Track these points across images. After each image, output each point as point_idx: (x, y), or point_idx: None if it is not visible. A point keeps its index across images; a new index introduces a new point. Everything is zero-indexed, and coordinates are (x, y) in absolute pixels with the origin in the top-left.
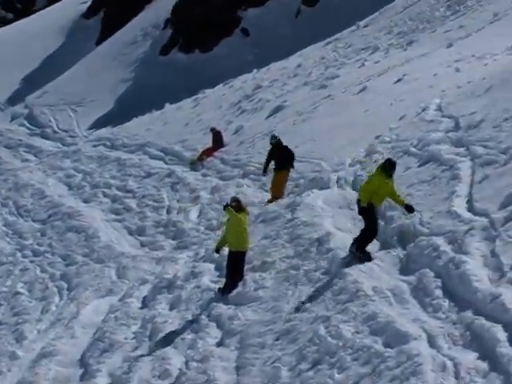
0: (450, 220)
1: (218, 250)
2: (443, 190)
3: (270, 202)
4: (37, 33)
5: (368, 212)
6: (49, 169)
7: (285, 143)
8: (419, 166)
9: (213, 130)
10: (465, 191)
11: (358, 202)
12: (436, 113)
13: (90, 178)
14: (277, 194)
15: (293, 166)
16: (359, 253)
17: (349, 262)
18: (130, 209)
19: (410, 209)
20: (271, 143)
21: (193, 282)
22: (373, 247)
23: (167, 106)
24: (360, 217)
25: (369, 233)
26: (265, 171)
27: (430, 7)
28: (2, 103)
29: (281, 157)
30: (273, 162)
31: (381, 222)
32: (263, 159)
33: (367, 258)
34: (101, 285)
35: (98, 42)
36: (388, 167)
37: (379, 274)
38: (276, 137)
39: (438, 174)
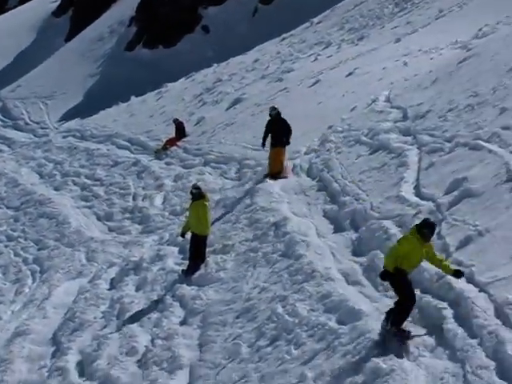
0: (399, 204)
1: (183, 235)
2: (392, 177)
3: (266, 176)
4: (9, 30)
5: (397, 279)
6: (21, 159)
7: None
8: (370, 154)
9: (176, 121)
10: (412, 177)
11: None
12: (385, 104)
13: (60, 167)
14: (274, 169)
15: (289, 142)
16: (394, 329)
17: (382, 341)
18: (98, 196)
19: (459, 274)
20: (270, 115)
21: (158, 265)
22: (327, 230)
23: (133, 98)
24: (317, 201)
25: (405, 304)
26: (263, 145)
27: (379, 4)
28: None
29: (278, 131)
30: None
31: (333, 207)
32: (224, 149)
33: (405, 335)
34: (71, 267)
35: (68, 39)
36: (425, 230)
37: (333, 255)
38: (275, 109)
39: (387, 161)
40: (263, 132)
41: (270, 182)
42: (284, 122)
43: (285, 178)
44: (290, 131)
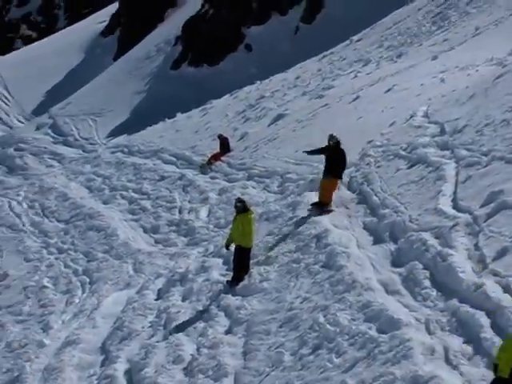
0: (437, 217)
1: (227, 247)
2: (430, 190)
3: (314, 204)
4: (59, 50)
5: None
6: (71, 173)
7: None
8: (408, 168)
9: (220, 136)
10: (450, 190)
11: (495, 367)
12: (423, 119)
13: (108, 181)
14: (326, 199)
15: (341, 177)
16: None
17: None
18: (145, 209)
19: None
20: (329, 143)
21: (203, 276)
22: (367, 242)
23: (178, 115)
24: (357, 213)
25: None
26: (308, 153)
27: (417, 23)
28: (28, 114)
29: (334, 161)
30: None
31: (373, 219)
32: (266, 163)
33: None
34: (119, 279)
35: (115, 58)
36: None
37: (373, 266)
38: (335, 137)
39: (425, 174)
40: (317, 148)
41: (311, 195)
42: (342, 152)
43: (330, 211)
44: (345, 164)
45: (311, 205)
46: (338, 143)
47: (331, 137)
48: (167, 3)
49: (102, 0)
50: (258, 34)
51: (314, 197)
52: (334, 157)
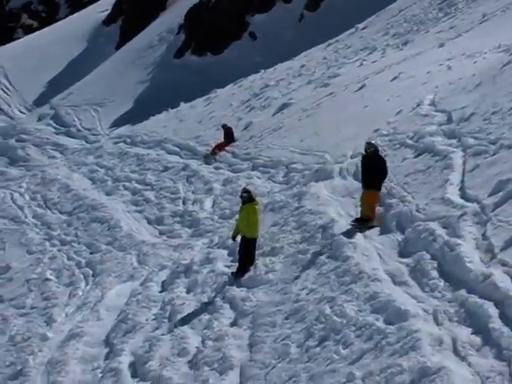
0: (444, 206)
1: (234, 238)
2: (437, 179)
3: (357, 220)
4: (60, 39)
5: None
6: (74, 165)
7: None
8: (415, 157)
9: (224, 126)
10: (457, 179)
11: None
12: (430, 107)
13: (111, 172)
14: (371, 214)
15: (380, 188)
16: None
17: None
18: (148, 200)
19: None
20: (366, 151)
21: (208, 267)
22: (374, 232)
23: (182, 104)
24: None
25: None
26: (364, 186)
27: (423, 10)
28: (29, 105)
29: (373, 170)
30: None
31: (380, 209)
32: (271, 153)
33: None
34: (123, 271)
35: (118, 47)
36: None
37: (380, 257)
38: (373, 145)
39: (432, 163)
40: (361, 172)
41: (316, 185)
42: (381, 160)
43: (373, 227)
44: (386, 172)
45: (353, 221)
46: (376, 150)
47: (368, 144)
48: None
49: None
50: (262, 22)
51: (320, 186)
52: (373, 166)
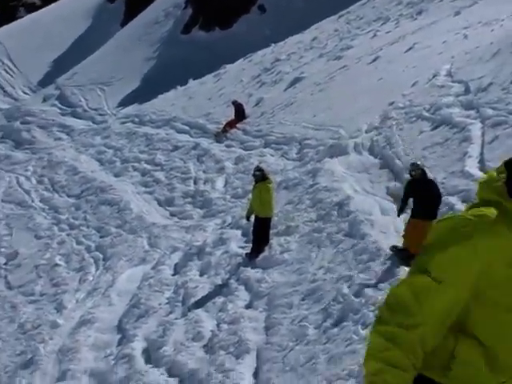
0: (464, 180)
1: (247, 217)
2: (456, 152)
3: (398, 249)
4: (64, 17)
5: None
6: (81, 146)
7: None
8: (432, 130)
9: (235, 102)
10: (476, 152)
11: None
12: (446, 78)
13: (120, 153)
14: (413, 248)
15: (435, 216)
16: None
17: None
18: (159, 181)
19: None
20: (411, 174)
21: (221, 248)
22: (391, 208)
23: (191, 81)
24: (380, 179)
25: None
26: (400, 213)
27: None
28: (33, 85)
29: (424, 196)
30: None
31: (397, 184)
32: (284, 129)
33: None
34: (134, 254)
35: (123, 24)
36: None
37: (398, 233)
38: (419, 167)
39: (450, 136)
40: (402, 198)
41: (331, 161)
42: (432, 184)
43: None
44: (440, 198)
45: (393, 247)
46: (423, 173)
47: (414, 166)
48: None
49: None
50: None
51: (334, 162)
52: (422, 192)
